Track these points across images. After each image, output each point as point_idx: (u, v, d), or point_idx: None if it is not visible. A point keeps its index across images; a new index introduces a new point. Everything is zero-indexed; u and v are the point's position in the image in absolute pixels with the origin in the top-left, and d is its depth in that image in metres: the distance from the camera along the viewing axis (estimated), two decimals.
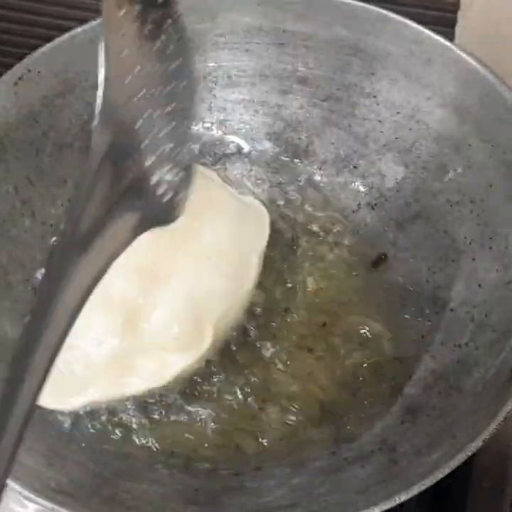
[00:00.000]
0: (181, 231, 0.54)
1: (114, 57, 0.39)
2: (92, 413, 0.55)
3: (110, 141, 0.39)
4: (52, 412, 0.54)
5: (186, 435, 0.55)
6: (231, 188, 0.62)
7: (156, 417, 0.55)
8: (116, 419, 0.55)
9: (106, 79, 0.39)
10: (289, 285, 0.61)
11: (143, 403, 0.55)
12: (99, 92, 0.39)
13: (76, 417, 0.55)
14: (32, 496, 0.45)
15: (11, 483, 0.45)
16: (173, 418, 0.55)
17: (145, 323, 0.53)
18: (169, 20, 0.43)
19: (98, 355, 0.53)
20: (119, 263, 0.40)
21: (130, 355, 0.53)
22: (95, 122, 0.39)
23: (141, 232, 0.40)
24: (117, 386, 0.54)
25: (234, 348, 0.58)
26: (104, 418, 0.55)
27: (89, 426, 0.55)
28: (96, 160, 0.38)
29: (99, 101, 0.39)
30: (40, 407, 0.51)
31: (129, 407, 0.56)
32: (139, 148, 0.40)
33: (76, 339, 0.51)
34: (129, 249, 0.40)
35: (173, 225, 0.43)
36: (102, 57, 0.38)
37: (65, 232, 0.38)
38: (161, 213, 0.42)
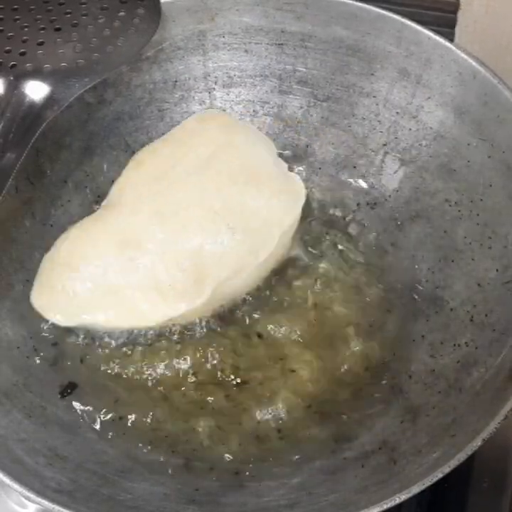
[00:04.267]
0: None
1: None
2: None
3: None
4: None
5: (185, 437, 0.55)
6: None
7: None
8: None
9: None
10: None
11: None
12: None
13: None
14: (32, 496, 0.45)
15: (11, 483, 0.45)
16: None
17: (147, 261, 0.56)
18: None
19: (98, 281, 0.56)
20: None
21: (126, 289, 0.56)
22: None
23: None
24: (113, 315, 0.57)
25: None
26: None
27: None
28: None
29: None
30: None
31: None
32: None
33: (81, 260, 0.56)
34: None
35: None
36: None
37: None
38: None
